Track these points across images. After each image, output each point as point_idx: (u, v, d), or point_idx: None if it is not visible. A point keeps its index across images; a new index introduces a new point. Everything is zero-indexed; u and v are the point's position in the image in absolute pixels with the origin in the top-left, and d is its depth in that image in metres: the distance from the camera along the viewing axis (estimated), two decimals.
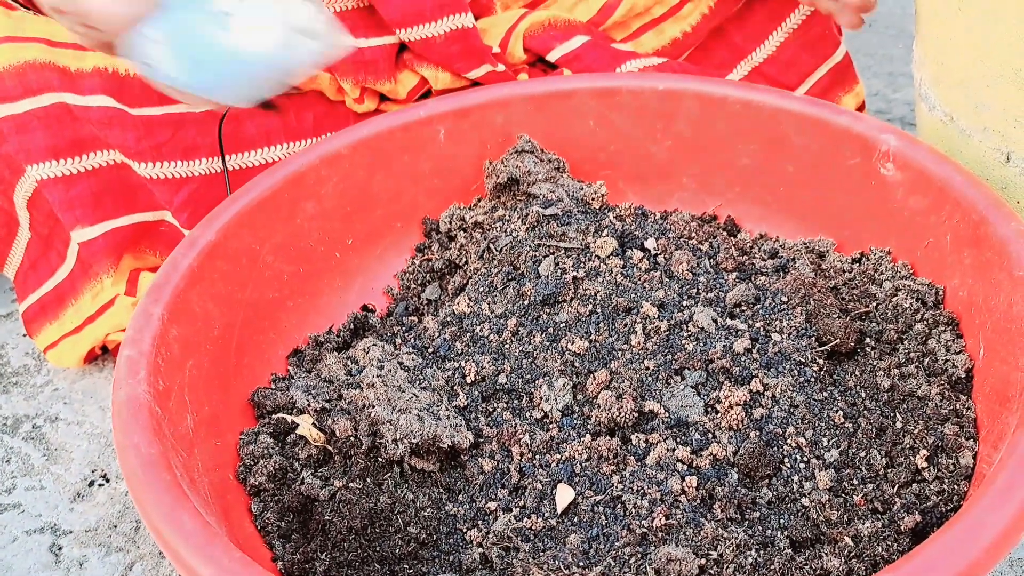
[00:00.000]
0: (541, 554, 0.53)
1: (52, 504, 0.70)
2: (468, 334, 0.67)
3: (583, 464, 0.57)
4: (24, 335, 0.86)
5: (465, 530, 0.56)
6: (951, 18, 0.66)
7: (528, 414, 0.61)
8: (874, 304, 0.66)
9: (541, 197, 0.73)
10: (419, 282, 0.76)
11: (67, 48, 0.72)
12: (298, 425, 0.60)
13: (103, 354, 0.83)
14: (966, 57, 0.66)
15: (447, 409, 0.61)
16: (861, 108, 0.94)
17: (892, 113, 1.12)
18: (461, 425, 0.60)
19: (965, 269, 0.62)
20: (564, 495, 0.56)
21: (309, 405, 0.60)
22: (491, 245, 0.72)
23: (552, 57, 0.85)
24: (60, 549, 0.67)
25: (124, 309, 0.79)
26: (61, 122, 0.72)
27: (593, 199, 0.74)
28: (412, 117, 0.77)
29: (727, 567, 0.50)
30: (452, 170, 0.79)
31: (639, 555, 0.51)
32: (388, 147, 0.76)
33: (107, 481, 0.72)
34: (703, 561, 0.50)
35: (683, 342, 0.63)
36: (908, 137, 0.67)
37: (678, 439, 0.58)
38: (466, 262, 0.74)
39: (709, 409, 0.59)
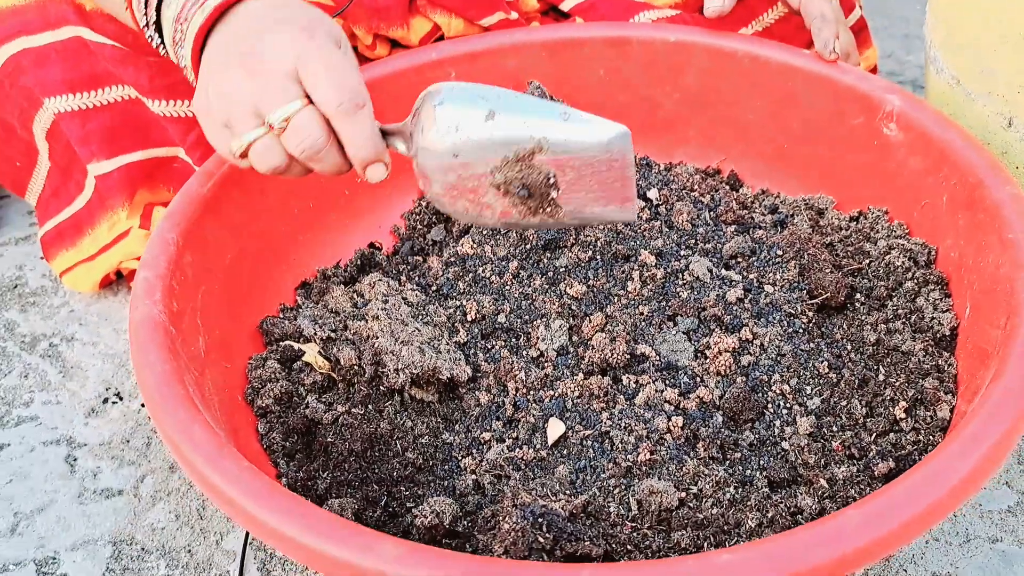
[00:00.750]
0: (531, 482, 0.56)
1: (68, 418, 0.74)
2: (470, 274, 0.69)
3: (575, 401, 0.60)
4: (41, 258, 0.89)
5: (460, 457, 0.59)
6: None
7: (525, 352, 0.64)
8: (867, 261, 0.67)
9: None
10: (425, 223, 0.77)
11: None
12: (304, 352, 0.62)
13: (117, 280, 0.85)
14: (974, 21, 0.67)
15: (447, 344, 0.64)
16: (873, 71, 0.95)
17: (904, 75, 1.12)
18: (460, 359, 0.63)
19: (958, 230, 0.63)
20: (555, 429, 0.58)
21: (316, 334, 0.63)
22: None
23: (565, 6, 0.85)
24: (75, 460, 0.70)
25: (138, 239, 0.80)
26: (78, 56, 0.74)
27: None
28: (424, 59, 0.79)
29: (706, 501, 0.53)
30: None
31: (623, 486, 0.54)
32: (400, 88, 0.77)
33: (120, 399, 0.75)
34: (683, 495, 0.53)
35: (678, 290, 0.65)
36: (912, 98, 0.69)
37: (667, 381, 0.60)
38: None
39: (699, 354, 0.62)
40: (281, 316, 0.68)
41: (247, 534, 0.64)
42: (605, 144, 0.53)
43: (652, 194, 0.73)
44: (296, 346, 0.63)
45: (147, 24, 0.61)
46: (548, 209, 0.55)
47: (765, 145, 0.79)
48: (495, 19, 0.84)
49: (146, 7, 0.60)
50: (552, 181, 0.54)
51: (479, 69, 0.79)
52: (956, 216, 0.63)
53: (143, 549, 0.64)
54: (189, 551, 0.64)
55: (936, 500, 0.43)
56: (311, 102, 0.53)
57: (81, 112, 0.74)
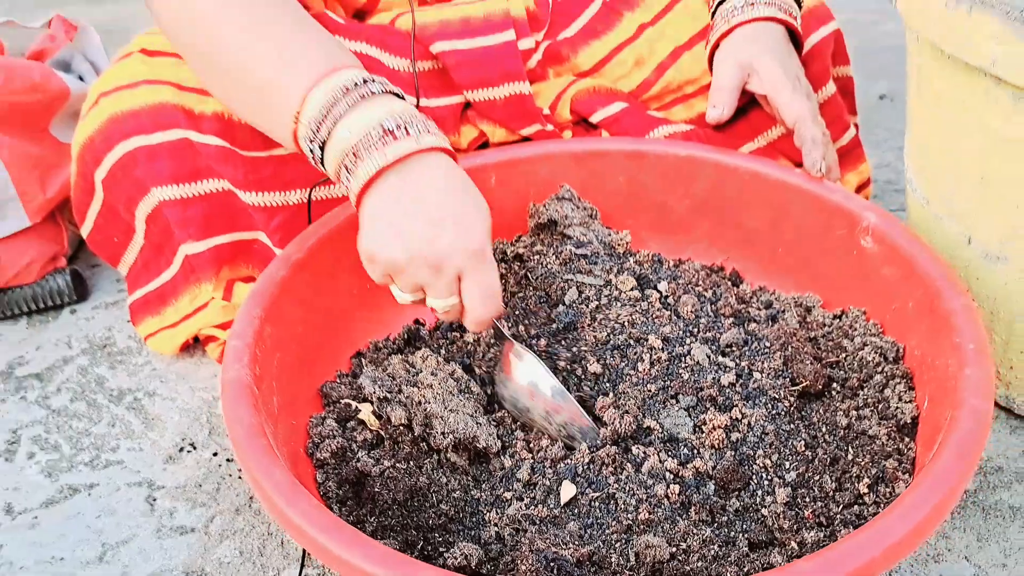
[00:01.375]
0: (544, 534, 0.66)
1: (149, 463, 0.85)
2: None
3: (586, 467, 0.70)
4: (128, 321, 1.01)
5: (485, 512, 0.69)
6: (929, 123, 0.79)
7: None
8: (844, 355, 0.78)
9: (575, 238, 0.87)
10: None
11: (192, 92, 0.86)
12: (360, 411, 0.74)
13: (194, 344, 0.98)
14: (940, 157, 0.79)
15: (484, 417, 0.75)
16: (866, 184, 1.05)
17: (899, 184, 1.23)
18: (493, 433, 0.74)
19: (921, 332, 0.73)
20: (567, 491, 0.69)
21: (374, 393, 0.74)
22: (528, 274, 0.86)
23: (594, 119, 0.98)
24: (155, 500, 0.82)
25: (216, 310, 0.91)
26: (184, 154, 0.85)
27: (618, 245, 0.88)
28: (470, 164, 0.91)
29: (693, 555, 0.63)
30: (499, 211, 0.91)
31: (624, 540, 0.64)
32: None
33: (194, 448, 0.86)
34: (674, 550, 0.63)
35: (680, 372, 0.76)
36: (887, 215, 0.80)
37: (669, 452, 0.71)
38: (505, 288, 0.87)
39: (696, 429, 0.72)
40: (338, 381, 0.80)
41: (301, 567, 0.74)
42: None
43: (662, 287, 0.84)
44: (354, 405, 0.74)
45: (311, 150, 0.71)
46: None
47: (763, 248, 0.90)
48: (533, 129, 0.97)
49: (312, 139, 0.70)
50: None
51: (517, 173, 0.92)
52: (920, 320, 0.73)
53: None
54: None
55: (873, 557, 0.52)
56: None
57: (182, 200, 0.87)
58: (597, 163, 0.93)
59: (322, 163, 0.71)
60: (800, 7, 0.96)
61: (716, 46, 0.94)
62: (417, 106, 0.92)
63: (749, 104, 0.97)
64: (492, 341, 0.82)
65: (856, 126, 1.08)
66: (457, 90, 0.95)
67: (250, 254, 0.92)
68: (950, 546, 0.73)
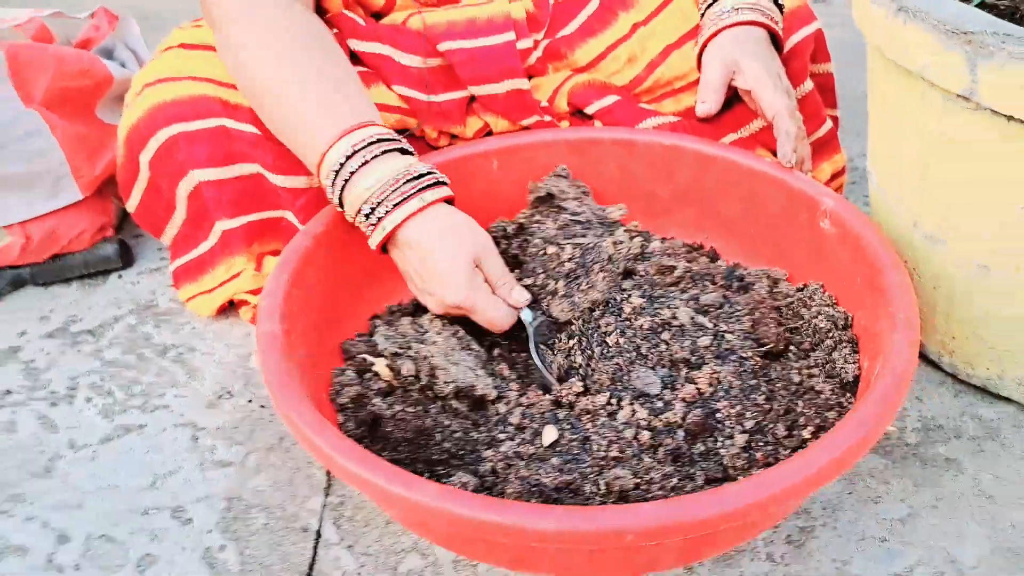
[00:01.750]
0: (530, 468, 0.77)
1: (192, 408, 0.97)
2: None
3: (568, 415, 0.81)
4: (171, 286, 1.13)
5: (481, 450, 0.80)
6: (879, 120, 0.89)
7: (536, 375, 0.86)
8: (801, 322, 0.88)
9: (570, 209, 0.97)
10: None
11: (229, 87, 0.97)
12: (375, 364, 0.85)
13: (229, 307, 1.09)
14: (886, 149, 0.89)
15: (483, 369, 0.86)
16: (840, 173, 1.14)
17: None
18: (490, 383, 0.85)
19: (866, 304, 0.84)
20: (550, 434, 0.80)
21: (386, 349, 0.85)
22: (527, 240, 0.96)
23: (589, 111, 1.08)
24: (198, 439, 0.94)
25: (248, 278, 1.02)
26: (221, 139, 0.96)
27: (610, 215, 0.98)
28: (475, 150, 1.02)
29: (654, 486, 0.74)
30: (500, 193, 1.02)
31: (596, 473, 0.75)
32: (455, 171, 1.00)
33: (231, 396, 0.98)
34: (638, 481, 0.74)
35: (662, 332, 0.86)
36: (843, 201, 0.90)
37: (644, 404, 0.82)
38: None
39: (671, 385, 0.83)
40: (356, 339, 0.91)
41: (325, 496, 0.86)
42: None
43: (654, 245, 0.96)
44: (370, 359, 0.85)
45: (331, 186, 0.87)
46: None
47: (738, 229, 1.00)
48: (532, 120, 1.07)
49: (332, 188, 0.87)
50: None
51: (517, 159, 1.02)
52: (865, 293, 0.84)
53: (248, 505, 0.86)
54: (282, 508, 0.86)
55: (787, 486, 0.63)
56: None
57: (218, 182, 0.98)
58: (589, 151, 1.03)
59: (340, 204, 0.87)
60: (782, 12, 1.05)
61: (704, 46, 1.04)
62: (427, 100, 1.04)
63: (734, 99, 1.06)
64: None
65: (836, 119, 1.18)
66: (463, 85, 1.05)
67: (278, 231, 1.03)
68: (889, 490, 0.84)
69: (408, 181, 0.84)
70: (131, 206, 1.07)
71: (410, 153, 0.87)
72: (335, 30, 1.03)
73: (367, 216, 0.85)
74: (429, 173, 0.86)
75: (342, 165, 0.84)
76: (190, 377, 1.01)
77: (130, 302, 1.13)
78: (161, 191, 1.03)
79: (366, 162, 0.84)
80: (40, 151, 1.09)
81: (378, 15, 1.11)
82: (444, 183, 0.87)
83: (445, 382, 0.82)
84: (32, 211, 1.11)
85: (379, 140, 0.85)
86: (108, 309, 1.12)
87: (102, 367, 1.03)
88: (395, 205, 0.84)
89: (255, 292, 1.04)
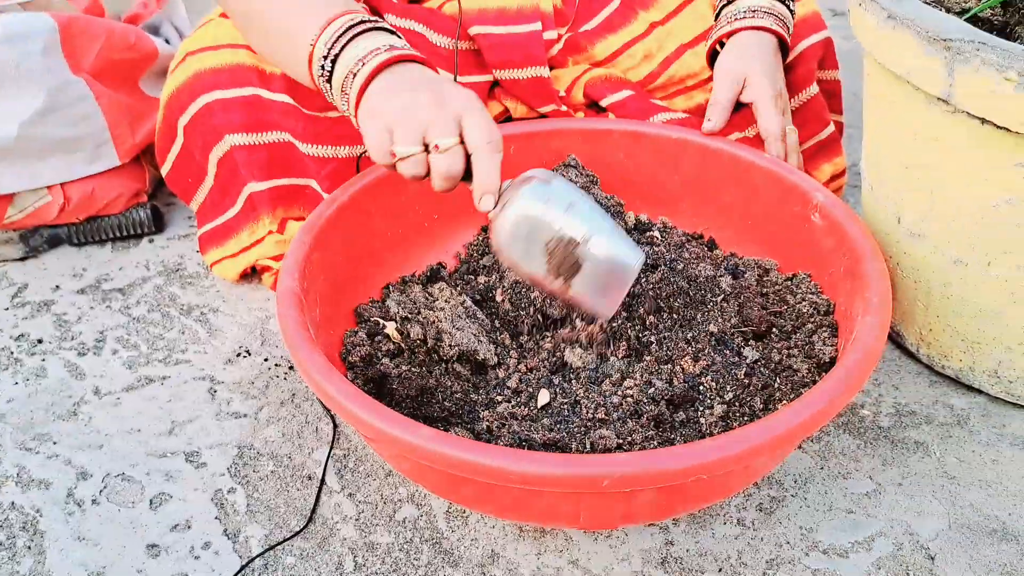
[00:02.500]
0: (522, 426, 0.83)
1: (211, 363, 1.03)
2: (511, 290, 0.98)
3: (560, 380, 0.87)
4: (197, 251, 1.20)
5: (480, 411, 0.86)
6: (870, 120, 0.94)
7: (535, 343, 0.92)
8: (786, 307, 0.94)
9: None
10: (480, 252, 1.06)
11: None
12: (385, 327, 0.91)
13: (252, 272, 1.16)
14: (877, 148, 0.94)
15: (486, 336, 0.92)
16: (840, 174, 1.19)
17: None
18: (491, 350, 0.91)
19: (846, 291, 0.89)
20: (543, 397, 0.86)
21: (397, 313, 0.91)
22: None
23: (603, 103, 1.14)
24: (215, 392, 1.00)
25: (271, 243, 1.09)
26: (254, 107, 1.03)
27: (614, 206, 1.04)
28: None
29: (635, 446, 0.79)
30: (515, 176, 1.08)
31: (583, 433, 0.81)
32: None
33: (249, 354, 1.05)
34: (620, 441, 0.79)
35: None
36: (832, 196, 0.95)
37: (631, 377, 0.87)
38: None
39: (668, 361, 0.88)
40: (370, 304, 0.97)
41: (330, 448, 0.92)
42: (626, 265, 0.79)
43: (655, 232, 1.02)
44: (381, 322, 0.91)
45: (321, 76, 0.85)
46: (564, 283, 0.80)
47: (737, 220, 1.06)
48: (549, 108, 1.13)
49: (321, 70, 0.85)
50: (579, 267, 0.79)
51: (533, 146, 1.08)
52: (846, 281, 0.89)
53: (258, 453, 0.93)
54: (289, 457, 0.92)
55: (754, 445, 0.68)
56: (462, 142, 0.78)
57: (250, 147, 1.05)
58: (600, 140, 1.09)
59: (329, 89, 0.85)
60: (793, 17, 1.11)
61: (715, 44, 1.09)
62: (455, 80, 1.10)
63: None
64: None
65: (840, 124, 1.23)
66: (487, 70, 1.11)
67: (303, 197, 1.09)
68: (859, 467, 0.89)
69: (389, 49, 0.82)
70: (165, 170, 1.14)
71: (393, 34, 0.85)
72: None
73: (349, 79, 0.82)
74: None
75: (323, 68, 0.84)
76: (211, 335, 1.07)
77: (159, 264, 1.19)
78: (194, 157, 1.10)
79: (348, 41, 0.83)
80: (84, 117, 1.16)
81: (415, 1, 1.17)
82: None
83: (449, 346, 0.88)
84: (72, 173, 1.18)
85: (360, 22, 0.84)
86: (138, 270, 1.18)
87: (129, 323, 1.10)
88: (373, 55, 0.81)
89: (277, 258, 1.10)
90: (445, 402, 0.86)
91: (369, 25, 0.84)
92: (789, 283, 0.97)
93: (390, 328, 0.91)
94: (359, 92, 0.81)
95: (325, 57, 0.84)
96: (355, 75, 0.82)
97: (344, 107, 0.85)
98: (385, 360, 0.89)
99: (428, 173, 0.80)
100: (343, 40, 0.83)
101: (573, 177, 1.04)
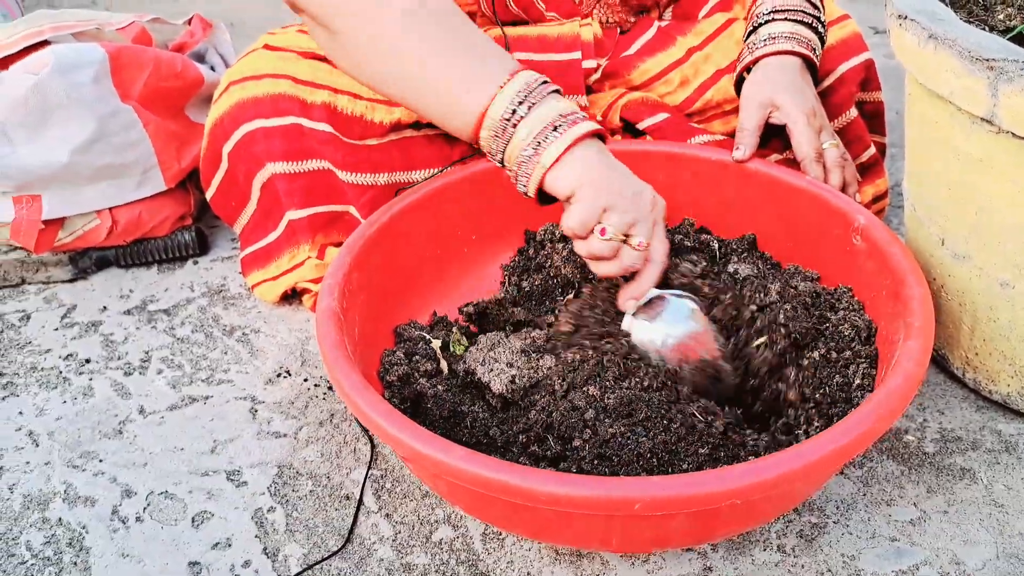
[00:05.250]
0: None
1: (252, 383, 1.05)
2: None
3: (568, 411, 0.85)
4: (239, 272, 1.22)
5: (499, 446, 0.85)
6: (914, 140, 0.93)
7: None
8: (828, 324, 0.91)
9: None
10: (517, 273, 1.06)
11: (306, 85, 1.06)
12: (432, 341, 0.92)
13: (292, 295, 1.17)
14: (919, 169, 0.93)
15: (520, 368, 0.91)
16: (883, 196, 1.18)
17: None
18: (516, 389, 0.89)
19: (888, 314, 0.87)
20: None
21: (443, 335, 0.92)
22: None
23: (641, 126, 1.14)
24: (256, 411, 1.01)
25: (311, 267, 1.11)
26: (295, 136, 1.05)
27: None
28: None
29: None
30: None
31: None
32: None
33: (289, 375, 1.06)
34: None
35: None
36: (873, 219, 0.93)
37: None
38: (550, 264, 1.04)
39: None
40: (409, 325, 0.98)
41: (368, 469, 0.92)
42: None
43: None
44: (428, 336, 0.92)
45: (508, 120, 0.81)
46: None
47: (778, 241, 1.05)
48: None
49: (513, 114, 0.81)
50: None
51: None
52: (888, 304, 0.88)
53: (298, 472, 0.94)
54: (328, 477, 0.93)
55: (786, 472, 0.67)
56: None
57: (291, 175, 1.07)
58: (640, 162, 1.07)
59: (506, 145, 0.82)
60: (823, 41, 1.09)
61: (740, 73, 1.09)
62: None
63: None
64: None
65: (882, 146, 1.22)
66: None
67: (341, 224, 1.11)
68: (903, 494, 0.87)
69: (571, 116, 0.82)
70: (209, 195, 1.17)
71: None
72: None
73: (532, 150, 0.81)
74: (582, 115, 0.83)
75: (513, 112, 0.81)
76: (252, 356, 1.09)
77: (203, 286, 1.21)
78: (237, 182, 1.12)
79: (533, 105, 0.81)
80: (132, 143, 1.19)
81: None
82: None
83: (482, 377, 0.88)
84: (121, 198, 1.21)
85: (543, 83, 0.82)
86: (183, 291, 1.21)
87: (174, 343, 1.11)
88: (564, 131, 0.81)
89: (316, 281, 1.12)
90: (474, 428, 0.86)
91: (556, 87, 0.84)
92: (831, 296, 0.95)
93: (435, 343, 0.92)
94: (565, 148, 0.80)
95: (521, 103, 0.81)
96: (556, 128, 0.80)
97: (525, 153, 0.81)
98: (422, 381, 0.90)
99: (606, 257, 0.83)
100: (541, 92, 0.81)
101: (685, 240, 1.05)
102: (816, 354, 0.88)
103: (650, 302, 0.88)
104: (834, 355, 0.89)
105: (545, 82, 0.83)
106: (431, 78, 0.84)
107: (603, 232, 0.81)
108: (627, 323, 0.88)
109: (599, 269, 0.84)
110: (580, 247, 0.84)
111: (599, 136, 0.84)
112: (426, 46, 0.83)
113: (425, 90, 0.85)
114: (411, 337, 0.95)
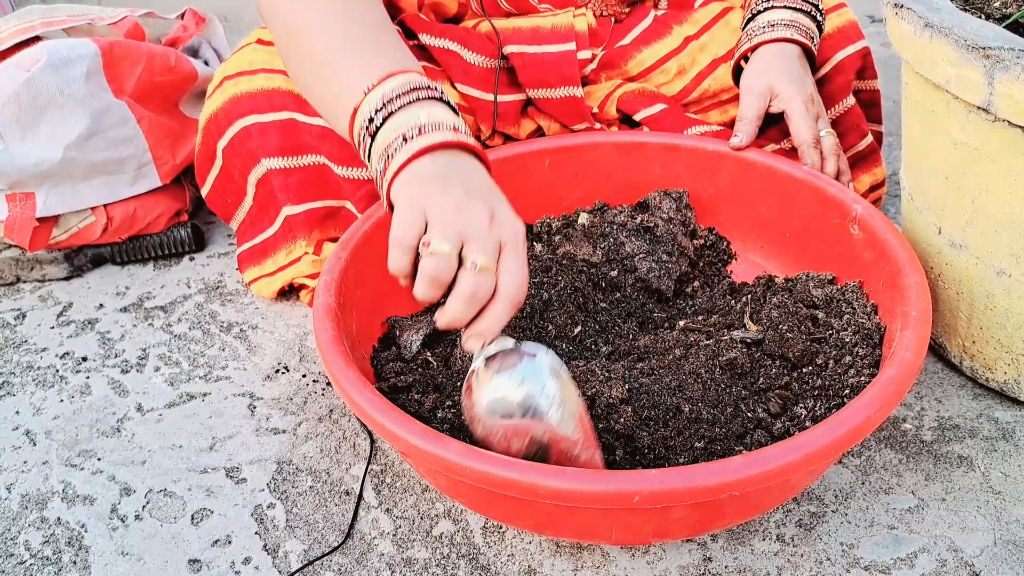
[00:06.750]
0: None
1: (250, 380, 1.05)
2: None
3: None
4: (236, 269, 1.22)
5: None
6: (910, 129, 0.93)
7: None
8: (831, 332, 0.91)
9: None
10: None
11: None
12: (415, 342, 0.92)
13: (289, 290, 1.17)
14: (916, 157, 0.93)
15: None
16: (880, 185, 1.18)
17: None
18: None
19: (886, 304, 0.87)
20: None
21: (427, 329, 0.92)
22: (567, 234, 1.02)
23: (637, 117, 1.13)
24: (255, 408, 1.01)
25: (308, 263, 1.10)
26: (290, 131, 1.04)
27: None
28: (528, 148, 1.08)
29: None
30: (550, 189, 1.09)
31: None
32: (511, 167, 1.06)
33: (287, 371, 1.06)
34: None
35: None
36: (871, 208, 0.94)
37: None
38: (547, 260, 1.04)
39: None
40: (404, 317, 0.98)
41: (367, 464, 0.92)
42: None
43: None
44: (422, 327, 0.93)
45: (367, 127, 0.75)
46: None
47: (773, 232, 1.05)
48: (583, 127, 1.13)
49: (369, 122, 0.75)
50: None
51: (568, 158, 1.08)
52: (886, 293, 0.88)
53: (297, 468, 0.93)
54: (327, 473, 0.93)
55: (785, 463, 0.67)
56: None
57: (286, 170, 1.06)
58: (636, 153, 1.09)
59: (369, 153, 0.75)
60: (821, 29, 1.09)
61: (738, 61, 1.08)
62: (495, 97, 1.10)
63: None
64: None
65: (879, 134, 1.21)
66: (520, 89, 1.12)
67: (338, 219, 1.10)
68: (901, 482, 0.88)
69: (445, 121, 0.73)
70: (205, 191, 1.16)
71: (450, 106, 0.76)
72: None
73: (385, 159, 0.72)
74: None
75: (370, 121, 0.74)
76: (250, 352, 1.09)
77: (199, 282, 1.21)
78: (233, 178, 1.11)
79: (392, 113, 0.74)
80: (126, 139, 1.18)
81: (450, 22, 1.18)
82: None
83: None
84: (115, 195, 1.21)
85: (412, 89, 0.74)
86: (179, 288, 1.20)
87: (171, 340, 1.11)
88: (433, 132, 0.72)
89: (313, 276, 1.11)
90: (449, 412, 0.85)
91: (435, 94, 0.76)
92: (841, 297, 0.94)
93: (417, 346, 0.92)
94: (408, 158, 0.71)
95: (378, 111, 0.74)
96: (406, 139, 0.72)
97: (379, 165, 0.74)
98: (411, 377, 0.90)
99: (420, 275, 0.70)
100: (404, 99, 0.74)
101: (667, 210, 1.04)
102: (810, 367, 0.87)
103: (502, 355, 0.70)
104: (832, 364, 0.87)
105: (415, 88, 0.74)
106: (320, 80, 0.81)
107: (426, 245, 0.68)
108: (477, 365, 0.71)
109: (422, 293, 0.69)
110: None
111: (470, 150, 0.74)
112: (319, 41, 0.82)
113: (318, 90, 0.83)
114: (404, 327, 0.95)
